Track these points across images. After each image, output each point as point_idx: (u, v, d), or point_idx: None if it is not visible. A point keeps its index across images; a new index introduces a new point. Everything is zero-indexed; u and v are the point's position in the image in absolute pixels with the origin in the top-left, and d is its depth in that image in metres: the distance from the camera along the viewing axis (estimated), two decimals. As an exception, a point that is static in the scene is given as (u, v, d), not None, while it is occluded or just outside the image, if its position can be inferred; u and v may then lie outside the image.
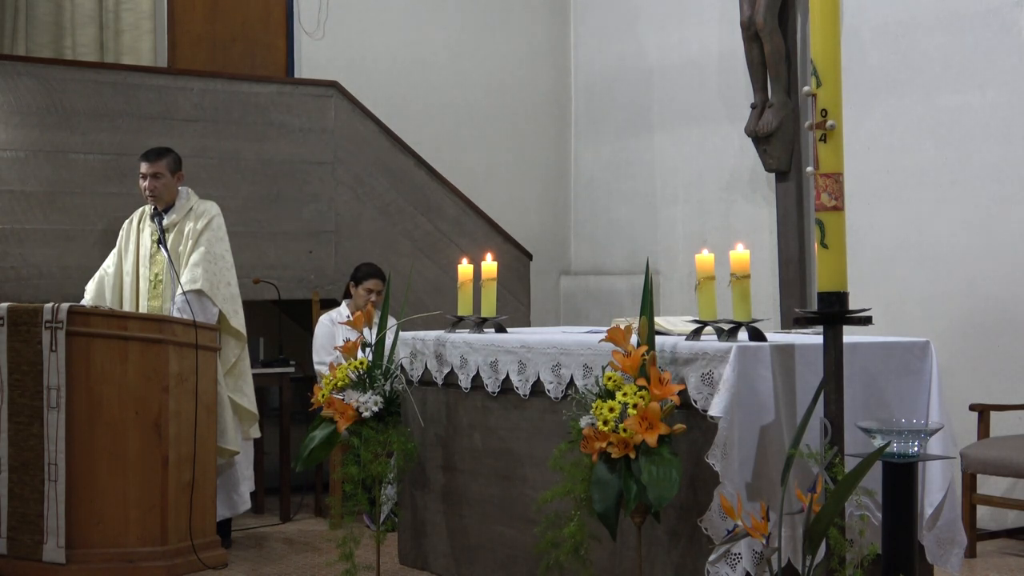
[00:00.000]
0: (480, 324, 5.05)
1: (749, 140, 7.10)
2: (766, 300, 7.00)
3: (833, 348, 3.70)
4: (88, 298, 5.88)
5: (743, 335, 4.03)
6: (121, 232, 5.97)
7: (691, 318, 4.30)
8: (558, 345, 4.54)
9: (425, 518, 5.27)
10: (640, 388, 3.84)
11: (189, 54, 7.57)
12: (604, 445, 3.83)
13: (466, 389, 4.98)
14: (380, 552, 5.10)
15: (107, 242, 6.11)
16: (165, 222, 5.75)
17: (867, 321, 3.69)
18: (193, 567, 5.27)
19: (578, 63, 8.75)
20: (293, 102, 7.04)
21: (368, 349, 5.03)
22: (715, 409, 3.83)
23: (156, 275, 5.79)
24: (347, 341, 5.06)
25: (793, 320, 4.20)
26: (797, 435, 3.66)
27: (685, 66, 7.86)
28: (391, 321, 5.20)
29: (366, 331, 5.05)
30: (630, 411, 3.80)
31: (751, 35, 6.96)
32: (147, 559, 5.17)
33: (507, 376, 4.76)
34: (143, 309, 5.75)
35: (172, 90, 6.67)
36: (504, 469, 4.86)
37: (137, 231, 5.90)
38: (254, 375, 5.99)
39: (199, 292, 5.59)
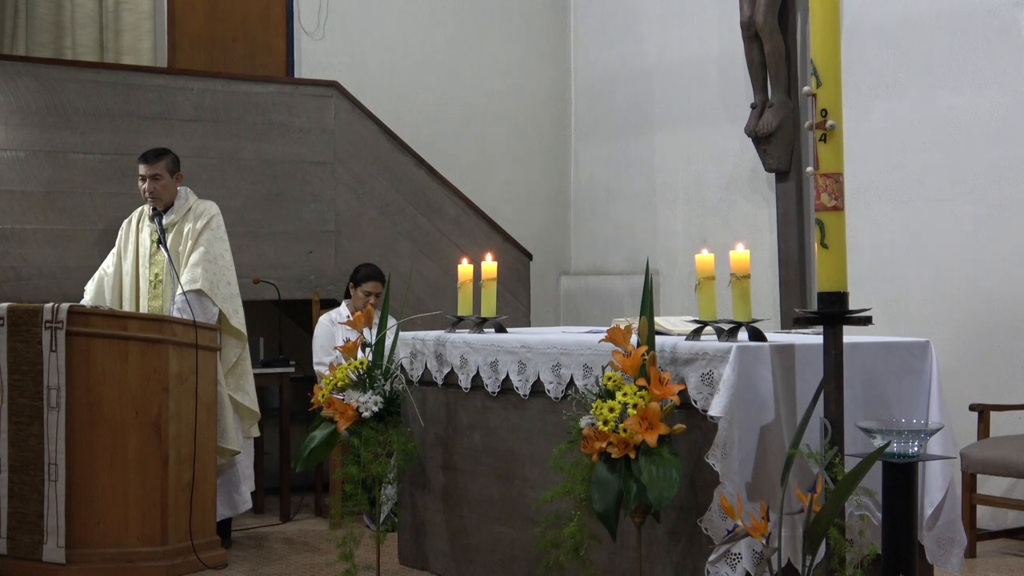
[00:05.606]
0: (480, 324, 5.05)
1: (749, 140, 7.10)
2: (766, 300, 7.00)
3: (833, 348, 3.71)
4: (88, 298, 5.88)
5: (743, 335, 4.04)
6: (120, 232, 5.97)
7: (691, 318, 4.30)
8: (558, 345, 4.54)
9: (425, 518, 5.27)
10: (640, 388, 3.84)
11: (189, 54, 7.56)
12: (604, 445, 3.83)
13: (466, 389, 4.98)
14: (380, 552, 5.10)
15: (107, 242, 6.11)
16: (164, 222, 5.75)
17: (867, 321, 3.70)
18: (193, 567, 5.27)
19: (578, 64, 8.75)
20: (293, 102, 7.04)
21: (368, 349, 5.03)
22: (715, 409, 3.83)
23: (156, 275, 5.79)
24: (347, 341, 5.06)
25: (793, 320, 4.21)
26: (797, 435, 3.66)
27: (685, 66, 7.85)
28: (391, 321, 5.20)
29: (366, 331, 5.04)
30: (630, 411, 3.80)
31: (751, 35, 6.97)
32: (147, 559, 5.17)
33: (507, 376, 4.76)
34: (143, 309, 5.75)
35: (172, 90, 6.66)
36: (504, 469, 4.86)
37: (136, 231, 5.90)
38: (254, 375, 5.98)
39: (199, 292, 5.59)
